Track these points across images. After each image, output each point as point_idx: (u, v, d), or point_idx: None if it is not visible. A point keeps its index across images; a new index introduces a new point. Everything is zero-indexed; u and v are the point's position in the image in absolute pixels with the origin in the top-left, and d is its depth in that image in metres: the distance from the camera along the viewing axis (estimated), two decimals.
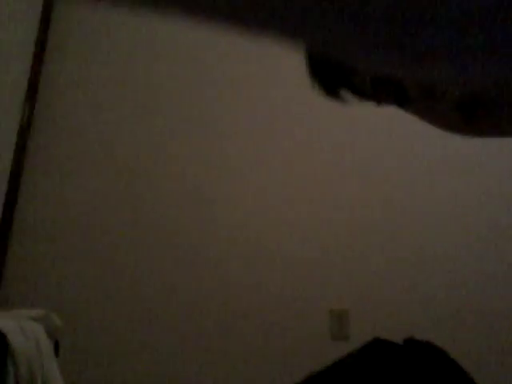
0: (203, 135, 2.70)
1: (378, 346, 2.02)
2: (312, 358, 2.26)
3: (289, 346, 2.37)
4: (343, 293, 2.45)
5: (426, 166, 2.54)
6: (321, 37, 0.20)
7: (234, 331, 2.41)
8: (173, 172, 2.65)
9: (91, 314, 2.44)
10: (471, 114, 0.50)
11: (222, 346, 2.40)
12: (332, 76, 0.59)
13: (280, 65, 2.70)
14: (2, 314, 1.28)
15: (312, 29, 0.19)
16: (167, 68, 2.81)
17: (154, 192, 2.62)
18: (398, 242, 2.48)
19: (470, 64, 0.20)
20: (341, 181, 2.57)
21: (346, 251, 2.48)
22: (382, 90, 0.56)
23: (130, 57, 2.85)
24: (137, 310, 2.45)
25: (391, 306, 2.40)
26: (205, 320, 2.42)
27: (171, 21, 2.69)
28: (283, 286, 2.45)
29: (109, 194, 2.66)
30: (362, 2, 0.18)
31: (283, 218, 2.53)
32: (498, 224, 2.44)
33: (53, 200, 2.67)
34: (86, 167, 2.69)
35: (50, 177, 2.70)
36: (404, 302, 2.41)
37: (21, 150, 2.68)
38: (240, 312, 2.43)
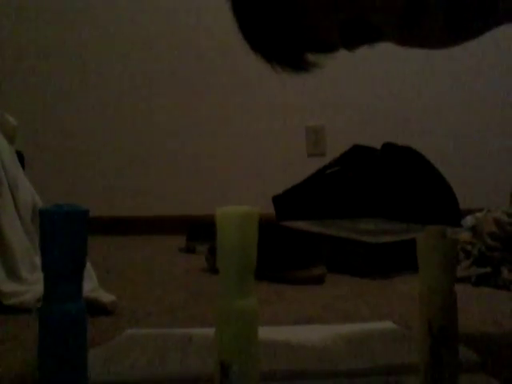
0: None
1: (356, 153, 2.04)
2: (290, 173, 2.30)
3: (267, 162, 2.39)
4: (319, 109, 2.42)
5: None
6: None
7: (212, 148, 2.40)
8: None
9: (55, 122, 2.38)
10: (457, 21, 0.51)
11: (201, 166, 2.42)
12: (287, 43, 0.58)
13: None
14: None
15: None
16: None
17: None
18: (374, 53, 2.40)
19: None
20: None
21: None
22: (353, 34, 0.55)
23: None
24: (104, 120, 2.40)
25: (366, 121, 2.40)
26: (185, 140, 2.40)
27: None
28: (260, 104, 2.40)
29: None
30: None
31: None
32: None
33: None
34: None
35: None
36: (381, 116, 2.40)
37: None
38: (219, 130, 2.40)
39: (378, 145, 1.98)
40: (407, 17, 0.52)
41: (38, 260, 1.09)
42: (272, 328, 0.76)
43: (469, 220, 1.24)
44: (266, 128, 2.40)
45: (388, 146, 1.99)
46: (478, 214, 1.22)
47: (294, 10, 0.54)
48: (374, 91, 2.41)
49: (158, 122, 2.41)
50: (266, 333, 0.47)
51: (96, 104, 2.40)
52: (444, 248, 0.42)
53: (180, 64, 2.42)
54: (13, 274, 1.01)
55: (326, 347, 0.66)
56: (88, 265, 1.12)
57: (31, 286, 1.02)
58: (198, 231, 1.78)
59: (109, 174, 2.35)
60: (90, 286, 1.02)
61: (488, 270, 1.15)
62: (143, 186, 2.35)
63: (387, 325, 0.80)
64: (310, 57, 0.61)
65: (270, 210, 1.94)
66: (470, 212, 1.35)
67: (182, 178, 2.37)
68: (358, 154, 2.00)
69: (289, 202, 1.95)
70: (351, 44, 0.59)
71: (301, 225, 1.62)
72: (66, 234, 0.34)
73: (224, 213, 0.34)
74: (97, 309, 0.95)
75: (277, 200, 1.98)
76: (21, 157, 1.21)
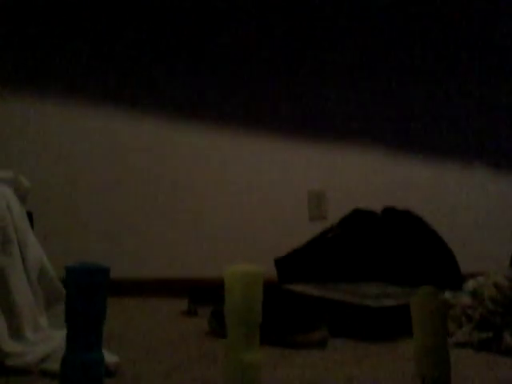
0: None
1: (357, 217, 2.07)
2: (292, 236, 2.31)
3: (269, 225, 2.41)
4: (320, 173, 2.47)
5: None
6: None
7: (213, 212, 2.43)
8: None
9: (63, 184, 2.41)
10: None
11: (199, 229, 2.43)
12: None
13: None
14: None
15: None
16: None
17: None
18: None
19: None
20: None
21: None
22: None
23: None
24: (106, 182, 2.43)
25: (369, 186, 2.44)
26: (188, 198, 2.43)
27: None
28: (262, 168, 2.45)
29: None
30: None
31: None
32: None
33: None
34: None
35: None
36: (380, 182, 2.45)
37: None
38: (221, 194, 2.44)
39: (378, 208, 2.02)
40: None
41: (42, 320, 1.09)
42: None
43: (470, 284, 1.25)
44: (269, 192, 2.44)
45: (388, 210, 2.02)
46: (479, 278, 1.23)
47: None
48: (373, 156, 2.47)
49: (159, 185, 2.45)
50: None
51: (99, 166, 2.46)
52: (435, 307, 0.44)
53: (182, 128, 2.50)
54: (17, 334, 1.01)
55: None
56: None
57: (34, 347, 1.02)
58: (200, 294, 1.78)
59: (110, 236, 2.37)
60: None
61: (490, 334, 1.15)
62: (144, 247, 2.37)
63: None
64: None
65: (272, 272, 1.95)
66: (471, 276, 1.36)
67: (183, 239, 2.39)
68: (358, 218, 2.03)
69: (291, 264, 1.97)
70: None
71: (303, 288, 1.63)
72: (89, 289, 0.36)
73: (232, 272, 0.36)
74: None
75: (279, 263, 1.99)
76: (30, 216, 1.24)
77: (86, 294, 0.36)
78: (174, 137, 2.48)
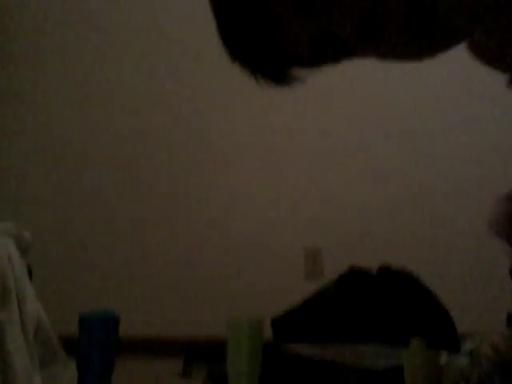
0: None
1: (353, 276, 2.07)
2: (287, 295, 2.30)
3: (264, 283, 2.40)
4: (316, 231, 2.49)
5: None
6: None
7: (208, 270, 2.43)
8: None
9: (63, 236, 2.41)
10: (423, 29, 0.49)
11: (196, 285, 2.42)
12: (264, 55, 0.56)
13: None
14: None
15: None
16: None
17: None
18: (368, 179, 2.52)
19: None
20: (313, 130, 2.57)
21: (317, 190, 2.51)
22: (323, 49, 0.54)
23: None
24: (107, 234, 2.44)
25: (365, 243, 2.46)
26: (184, 256, 2.43)
27: None
28: (257, 226, 2.47)
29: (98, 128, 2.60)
30: None
31: (258, 162, 2.54)
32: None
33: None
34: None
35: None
36: (378, 237, 2.47)
37: None
38: (215, 251, 2.44)
39: (376, 264, 2.02)
40: (368, 25, 0.49)
41: (36, 380, 1.08)
42: None
43: (467, 344, 1.24)
44: (264, 250, 2.45)
45: (384, 269, 2.03)
46: (477, 338, 1.23)
47: (265, 18, 0.53)
48: (370, 213, 2.50)
49: (156, 242, 2.46)
50: None
51: (95, 218, 2.47)
52: (426, 359, 0.45)
53: (178, 185, 2.53)
54: None
55: None
56: None
57: None
58: (196, 354, 1.76)
59: (104, 292, 2.35)
60: None
61: None
62: (139, 305, 2.35)
63: None
64: (293, 71, 0.59)
65: (267, 331, 1.93)
66: (469, 335, 1.35)
67: (177, 297, 2.37)
68: (354, 278, 2.03)
69: (287, 324, 1.95)
70: (322, 59, 0.57)
71: (299, 349, 1.61)
72: (100, 336, 0.37)
73: (236, 319, 0.37)
74: None
75: (275, 322, 1.98)
76: (29, 271, 1.24)
77: (97, 342, 0.37)
78: (172, 190, 2.51)
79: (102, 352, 0.36)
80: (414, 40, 0.50)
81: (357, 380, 1.39)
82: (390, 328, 1.83)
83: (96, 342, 0.35)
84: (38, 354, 1.09)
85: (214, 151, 2.56)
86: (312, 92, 2.53)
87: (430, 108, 2.53)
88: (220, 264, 2.44)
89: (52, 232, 2.44)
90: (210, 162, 2.55)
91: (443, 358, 1.47)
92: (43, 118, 2.62)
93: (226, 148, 2.56)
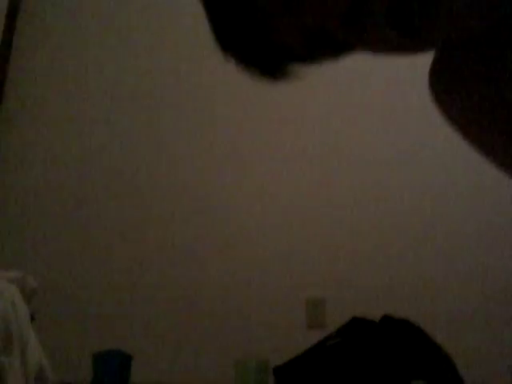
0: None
1: (355, 325, 2.07)
2: (289, 344, 2.28)
3: (266, 333, 2.38)
4: (319, 282, 2.48)
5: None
6: None
7: (212, 317, 2.41)
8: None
9: (68, 281, 2.43)
10: (405, 24, 0.49)
11: (197, 334, 2.41)
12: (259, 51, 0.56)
13: None
14: None
15: None
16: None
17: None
18: (372, 230, 2.54)
19: None
20: (313, 174, 2.62)
21: (319, 241, 2.53)
22: (315, 44, 0.54)
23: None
24: (112, 280, 2.44)
25: (367, 294, 2.45)
26: (182, 308, 2.42)
27: None
28: (260, 275, 2.47)
29: (95, 175, 2.65)
30: None
31: (260, 210, 2.56)
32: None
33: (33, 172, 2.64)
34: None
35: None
36: (380, 288, 2.46)
37: None
38: (219, 300, 2.44)
39: (378, 315, 2.01)
40: (353, 19, 0.49)
41: None
42: None
43: None
44: (266, 299, 2.44)
45: (386, 319, 2.02)
46: None
47: (255, 14, 0.53)
48: (372, 267, 2.50)
49: (154, 286, 2.46)
50: None
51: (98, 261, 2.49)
52: None
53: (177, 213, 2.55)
54: None
55: None
56: None
57: None
58: None
59: (105, 340, 2.34)
60: None
61: None
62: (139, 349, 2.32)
63: None
64: (290, 66, 0.58)
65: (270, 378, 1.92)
66: None
67: (177, 342, 2.35)
68: (356, 327, 2.02)
69: (290, 373, 1.93)
70: (317, 54, 0.56)
71: None
72: (114, 373, 0.39)
73: (242, 361, 0.39)
74: None
75: (278, 371, 1.96)
76: (32, 317, 1.25)
77: (111, 379, 0.39)
78: (176, 236, 2.53)
79: None
80: (399, 34, 0.49)
81: None
82: (394, 378, 1.81)
83: (111, 377, 0.37)
84: None
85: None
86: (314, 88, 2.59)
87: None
88: (220, 311, 2.43)
89: (57, 277, 2.45)
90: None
91: None
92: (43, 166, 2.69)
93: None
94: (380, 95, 2.64)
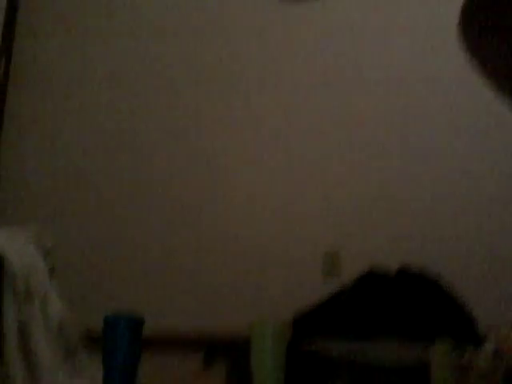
0: None
1: (370, 279, 2.07)
2: (305, 298, 2.30)
3: (281, 285, 2.40)
4: (335, 234, 2.48)
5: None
6: None
7: (230, 270, 2.43)
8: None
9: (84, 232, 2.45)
10: None
11: (216, 285, 2.43)
12: None
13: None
14: None
15: None
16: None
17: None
18: (387, 178, 2.51)
19: None
20: (330, 121, 2.57)
21: (334, 190, 2.51)
22: None
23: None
24: (127, 230, 2.46)
25: (383, 245, 2.45)
26: (200, 258, 2.44)
27: None
28: (277, 228, 2.47)
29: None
30: None
31: (276, 161, 2.54)
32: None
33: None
34: None
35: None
36: (396, 239, 2.45)
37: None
38: (235, 252, 2.44)
39: (394, 266, 2.01)
40: None
41: (60, 374, 1.09)
42: None
43: (490, 342, 1.23)
44: (282, 251, 2.45)
45: (402, 270, 2.02)
46: (500, 334, 1.22)
47: None
48: (388, 216, 2.48)
49: (175, 241, 2.47)
50: None
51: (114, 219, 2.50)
52: (451, 358, 0.45)
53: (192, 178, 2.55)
54: None
55: None
56: None
57: None
58: (217, 350, 1.77)
59: (118, 292, 2.36)
60: None
61: None
62: (162, 301, 2.35)
63: None
64: None
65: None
66: (491, 333, 1.34)
67: (195, 294, 2.38)
68: (371, 280, 2.03)
69: (307, 324, 1.95)
70: None
71: (320, 348, 1.61)
72: (125, 337, 0.38)
73: (260, 323, 0.38)
74: None
75: (296, 323, 1.99)
76: (52, 272, 1.26)
77: (121, 342, 0.38)
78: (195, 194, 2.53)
79: (127, 351, 0.36)
80: None
81: (377, 377, 1.39)
82: (410, 329, 1.82)
83: (121, 342, 0.36)
84: (61, 352, 1.10)
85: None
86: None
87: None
88: (241, 263, 2.43)
89: (74, 231, 2.47)
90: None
91: (467, 356, 1.46)
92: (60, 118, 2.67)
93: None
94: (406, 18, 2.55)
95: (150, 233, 2.50)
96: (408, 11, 2.57)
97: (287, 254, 2.45)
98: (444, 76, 2.51)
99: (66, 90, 2.73)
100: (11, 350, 1.02)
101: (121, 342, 0.35)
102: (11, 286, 1.06)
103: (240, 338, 2.09)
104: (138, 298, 2.33)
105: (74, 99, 2.71)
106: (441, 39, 2.43)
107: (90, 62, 2.73)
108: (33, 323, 1.07)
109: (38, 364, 1.04)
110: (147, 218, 2.52)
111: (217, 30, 2.68)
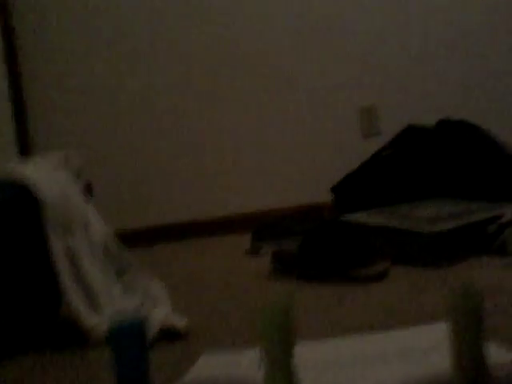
0: None
1: (411, 133, 2.02)
2: (345, 156, 2.29)
3: (320, 146, 2.39)
4: (371, 89, 2.39)
5: None
6: None
7: (269, 136, 2.41)
8: None
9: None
10: None
11: (258, 152, 2.45)
12: None
13: None
14: (23, 163, 1.26)
15: None
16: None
17: None
18: (424, 32, 2.34)
19: None
20: None
21: (374, 47, 2.38)
22: None
23: None
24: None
25: (422, 99, 2.36)
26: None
27: None
28: (313, 82, 2.39)
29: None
30: None
31: (314, 17, 2.39)
32: None
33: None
34: None
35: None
36: (435, 93, 2.35)
37: None
38: (276, 114, 2.40)
39: (433, 120, 1.95)
40: None
41: (115, 290, 1.17)
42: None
43: None
44: (319, 111, 2.40)
45: (443, 123, 1.95)
46: None
47: None
48: (425, 68, 2.35)
49: (215, 120, 2.46)
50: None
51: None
52: (470, 305, 0.44)
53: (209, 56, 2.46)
54: (94, 307, 1.10)
55: None
56: (162, 290, 1.20)
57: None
58: (263, 231, 1.83)
59: (164, 178, 2.42)
60: (164, 311, 1.10)
61: None
62: (198, 187, 2.41)
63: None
64: None
65: (326, 197, 2.03)
66: None
67: (237, 172, 2.41)
68: (411, 135, 1.98)
69: (347, 190, 1.97)
70: None
71: (360, 218, 1.64)
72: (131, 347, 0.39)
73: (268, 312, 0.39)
74: (172, 333, 1.03)
75: (336, 190, 2.01)
76: (89, 187, 1.28)
77: (130, 352, 0.39)
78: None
79: (135, 357, 0.38)
80: None
81: (416, 243, 1.42)
82: (452, 183, 1.81)
83: (128, 352, 0.38)
84: (112, 273, 1.17)
85: None
86: None
87: None
88: (276, 132, 2.40)
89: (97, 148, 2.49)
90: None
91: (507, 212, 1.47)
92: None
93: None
94: None
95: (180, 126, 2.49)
96: None
97: (324, 113, 2.40)
98: None
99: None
100: (67, 279, 1.09)
101: (128, 351, 0.36)
102: (51, 218, 1.10)
103: (287, 212, 2.16)
104: (175, 187, 2.40)
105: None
106: None
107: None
108: (80, 250, 1.12)
109: (93, 287, 1.11)
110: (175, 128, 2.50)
111: None
